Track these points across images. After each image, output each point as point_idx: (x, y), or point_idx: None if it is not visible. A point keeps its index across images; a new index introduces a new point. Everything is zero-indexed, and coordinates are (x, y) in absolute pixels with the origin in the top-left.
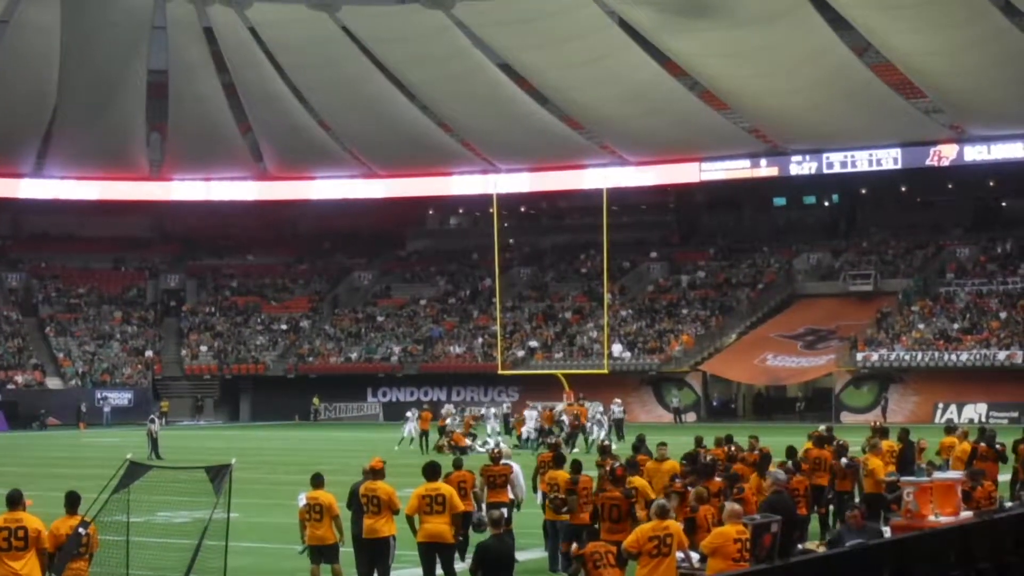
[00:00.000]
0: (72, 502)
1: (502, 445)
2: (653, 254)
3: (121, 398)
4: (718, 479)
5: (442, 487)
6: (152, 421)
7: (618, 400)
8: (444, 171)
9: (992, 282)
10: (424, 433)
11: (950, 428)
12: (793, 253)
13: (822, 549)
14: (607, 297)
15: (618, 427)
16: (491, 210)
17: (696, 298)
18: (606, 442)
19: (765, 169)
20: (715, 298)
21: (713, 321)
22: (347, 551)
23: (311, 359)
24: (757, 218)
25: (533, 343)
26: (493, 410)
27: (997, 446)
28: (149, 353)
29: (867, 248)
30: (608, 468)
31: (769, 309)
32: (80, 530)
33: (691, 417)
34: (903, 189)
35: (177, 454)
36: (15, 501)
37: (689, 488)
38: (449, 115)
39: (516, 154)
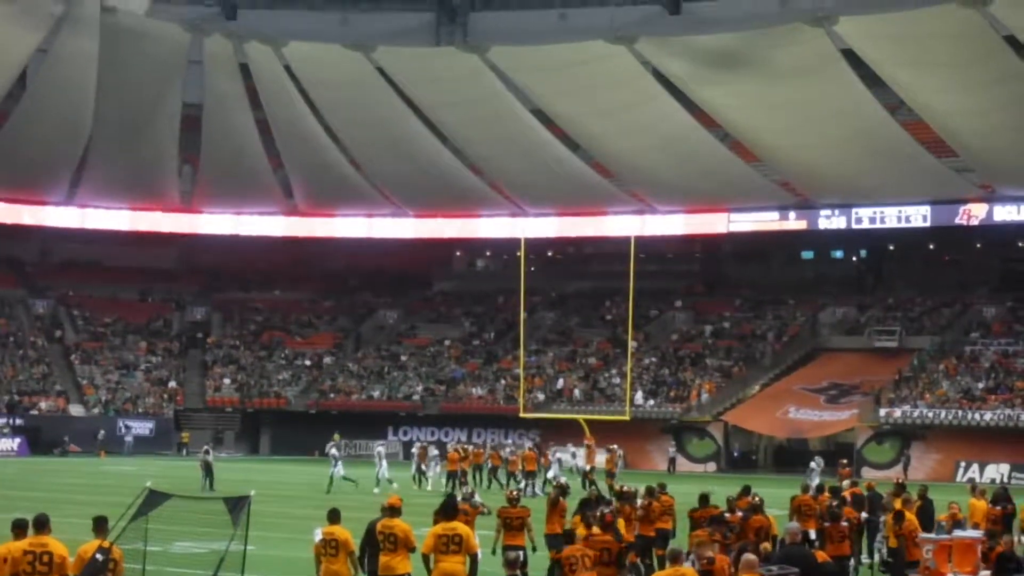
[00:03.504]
0: (100, 526)
1: (476, 495)
2: (678, 303)
3: (143, 428)
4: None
5: (459, 527)
6: (207, 452)
7: (614, 446)
8: (473, 213)
9: (1018, 342)
10: (420, 469)
11: (974, 489)
12: (818, 307)
13: None
14: (631, 344)
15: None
16: (518, 253)
17: (720, 348)
18: (627, 488)
19: (793, 222)
20: (739, 349)
21: (736, 371)
22: None
23: (333, 395)
24: (784, 270)
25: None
26: (380, 449)
27: (999, 506)
28: (172, 384)
29: (893, 304)
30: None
31: (793, 362)
32: (98, 556)
33: (711, 467)
34: (931, 247)
35: (195, 484)
36: (42, 525)
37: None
38: (480, 158)
39: (545, 199)
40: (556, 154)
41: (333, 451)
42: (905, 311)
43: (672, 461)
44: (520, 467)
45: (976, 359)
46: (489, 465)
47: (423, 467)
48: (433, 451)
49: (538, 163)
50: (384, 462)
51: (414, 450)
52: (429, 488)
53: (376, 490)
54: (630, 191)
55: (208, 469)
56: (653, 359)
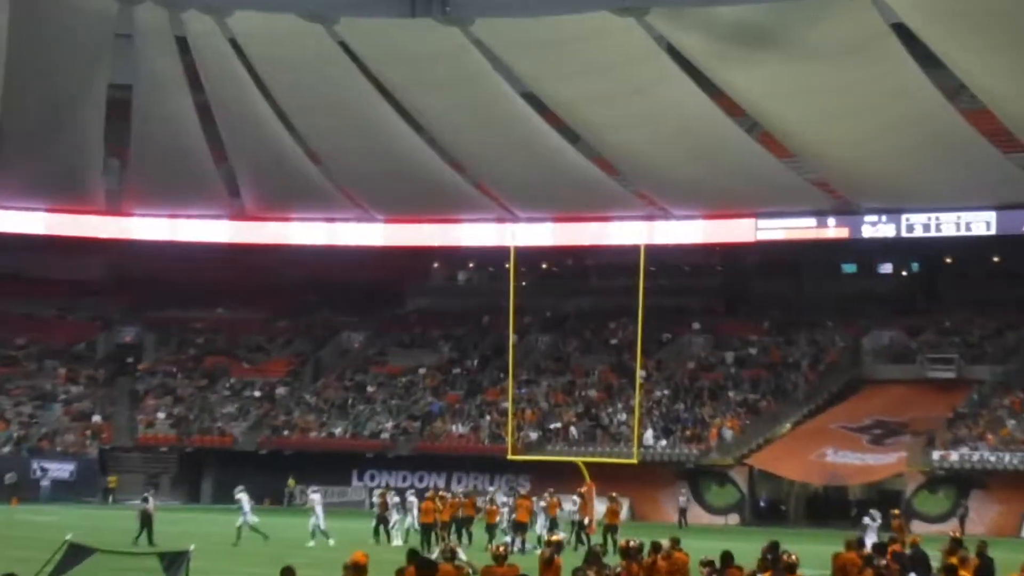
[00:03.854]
0: None
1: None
2: (696, 325)
3: (62, 470)
4: None
5: None
6: (146, 500)
7: (614, 495)
8: (453, 217)
9: None
10: (383, 520)
11: None
12: (862, 330)
13: None
14: (639, 373)
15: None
16: (507, 265)
17: (745, 379)
18: (633, 542)
19: (833, 230)
20: (767, 379)
21: (764, 406)
22: None
23: (287, 433)
24: (821, 287)
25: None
26: (314, 495)
27: None
28: (97, 418)
29: (949, 327)
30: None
31: (831, 395)
32: None
33: (733, 519)
34: (995, 259)
35: (127, 537)
36: None
37: None
38: (462, 152)
39: (539, 201)
40: (552, 147)
41: (241, 495)
42: (964, 335)
43: (683, 512)
44: (506, 518)
45: None
46: (461, 515)
47: (386, 517)
48: (394, 497)
49: (531, 158)
50: (320, 511)
51: (375, 498)
52: (398, 543)
53: (331, 541)
54: (639, 192)
55: (147, 520)
56: (666, 391)
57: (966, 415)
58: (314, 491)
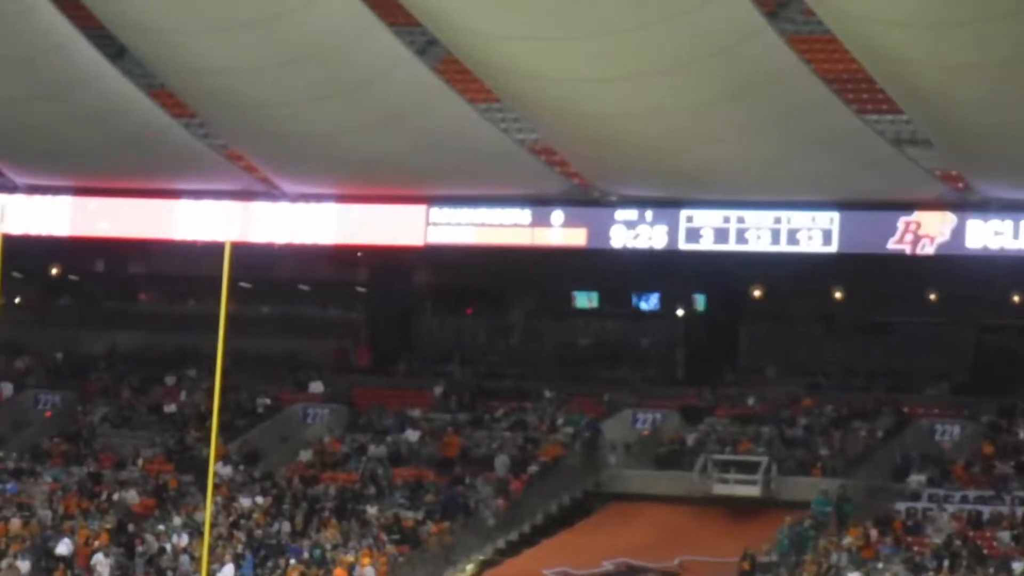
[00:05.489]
0: None
1: None
2: (317, 386)
3: None
4: None
5: None
6: None
7: None
8: None
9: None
10: None
11: None
12: (604, 408)
13: None
14: (214, 467)
15: None
16: None
17: (400, 483)
18: None
19: (560, 231)
20: (439, 486)
21: (431, 533)
22: None
23: None
24: (537, 332)
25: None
26: None
27: None
28: None
29: (754, 410)
30: None
31: (547, 518)
32: None
33: None
34: (838, 296)
35: None
36: None
37: None
38: None
39: (48, 156)
40: (72, 59)
41: None
42: (780, 424)
43: None
44: None
45: (919, 529)
46: None
47: None
48: None
49: (31, 74)
50: None
51: None
52: None
53: None
54: (229, 151)
55: None
56: (260, 499)
57: (774, 564)
58: None
